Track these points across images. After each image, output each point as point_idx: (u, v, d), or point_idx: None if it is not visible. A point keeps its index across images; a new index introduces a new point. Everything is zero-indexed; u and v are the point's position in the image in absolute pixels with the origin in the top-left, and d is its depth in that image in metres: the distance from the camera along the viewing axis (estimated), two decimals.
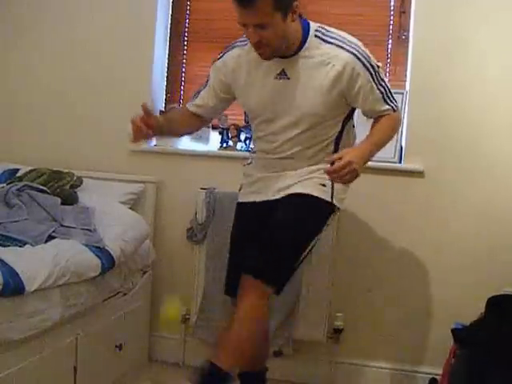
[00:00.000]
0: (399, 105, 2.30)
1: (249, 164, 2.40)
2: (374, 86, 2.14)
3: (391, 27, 3.08)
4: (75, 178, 2.95)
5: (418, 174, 2.94)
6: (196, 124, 2.44)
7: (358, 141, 2.33)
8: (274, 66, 2.15)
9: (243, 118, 3.11)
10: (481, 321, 2.35)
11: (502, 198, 2.87)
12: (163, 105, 3.32)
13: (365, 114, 2.26)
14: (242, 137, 3.15)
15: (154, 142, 3.26)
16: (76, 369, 2.39)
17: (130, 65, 3.22)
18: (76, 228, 2.56)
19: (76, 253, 2.37)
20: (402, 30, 3.06)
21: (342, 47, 2.10)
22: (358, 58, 2.10)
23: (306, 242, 2.18)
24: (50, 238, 2.45)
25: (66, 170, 2.98)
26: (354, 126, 2.34)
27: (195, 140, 3.17)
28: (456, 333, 2.29)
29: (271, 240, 2.13)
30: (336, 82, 2.11)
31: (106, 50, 3.25)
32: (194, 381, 2.05)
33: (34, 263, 2.16)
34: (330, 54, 2.10)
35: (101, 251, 2.50)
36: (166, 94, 3.35)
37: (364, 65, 2.11)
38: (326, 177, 2.08)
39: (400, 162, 2.98)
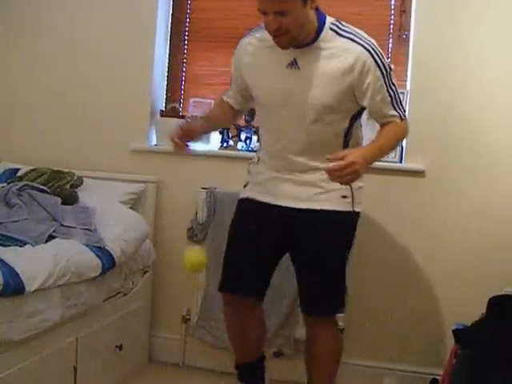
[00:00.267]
0: None
1: (257, 162, 2.36)
2: (384, 86, 2.12)
3: (392, 27, 3.08)
4: (75, 177, 2.95)
5: (419, 173, 2.93)
6: (232, 116, 2.49)
7: (364, 143, 2.31)
8: (286, 56, 2.14)
9: (243, 117, 3.11)
10: (482, 321, 2.33)
11: (502, 197, 2.87)
12: (163, 104, 3.32)
13: (372, 115, 2.23)
14: (243, 136, 3.14)
15: (154, 141, 3.26)
16: (76, 369, 2.39)
17: (130, 65, 3.22)
18: (76, 228, 2.56)
19: (76, 253, 2.37)
20: (403, 29, 3.06)
21: (355, 41, 2.09)
22: (371, 54, 2.08)
23: (346, 260, 2.32)
24: (51, 237, 2.45)
25: (67, 170, 2.98)
26: (361, 126, 2.32)
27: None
28: (457, 333, 2.28)
29: (324, 278, 2.25)
30: (347, 74, 2.09)
31: (106, 50, 3.25)
32: None
33: (34, 263, 2.16)
34: (343, 47, 2.09)
35: (101, 251, 2.50)
36: (166, 94, 3.34)
37: (376, 62, 2.09)
38: (344, 186, 2.12)
39: (401, 162, 2.99)
